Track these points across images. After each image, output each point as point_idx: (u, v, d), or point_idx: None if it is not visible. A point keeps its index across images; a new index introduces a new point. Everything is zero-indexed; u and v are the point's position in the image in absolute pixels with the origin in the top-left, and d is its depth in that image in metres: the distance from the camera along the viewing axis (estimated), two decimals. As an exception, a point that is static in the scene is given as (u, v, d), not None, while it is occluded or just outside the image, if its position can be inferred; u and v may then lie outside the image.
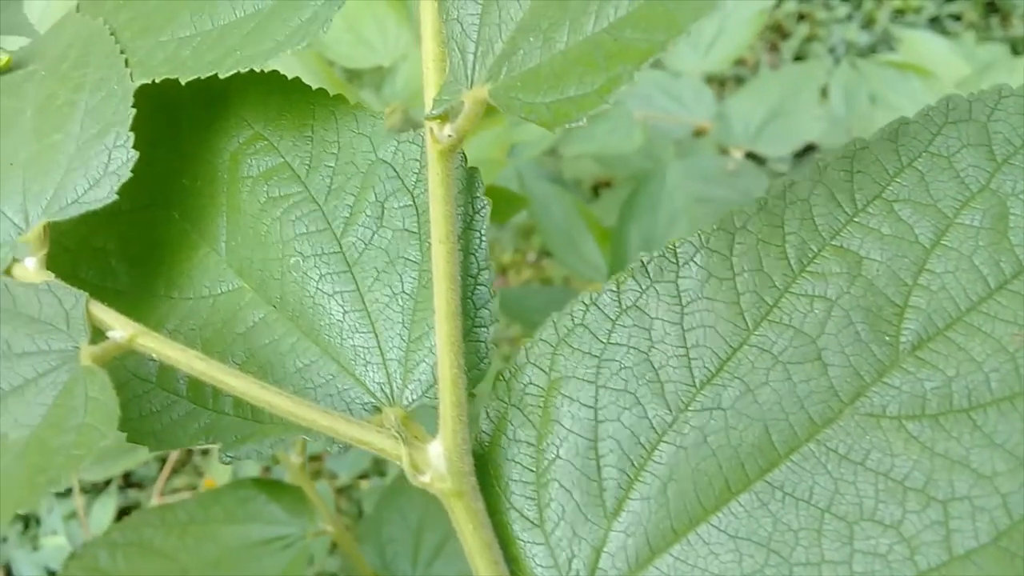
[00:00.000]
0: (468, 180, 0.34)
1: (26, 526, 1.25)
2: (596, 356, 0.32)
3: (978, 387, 0.29)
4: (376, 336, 0.34)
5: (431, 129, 0.30)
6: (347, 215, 0.35)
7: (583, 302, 0.32)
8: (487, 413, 0.32)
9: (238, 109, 0.36)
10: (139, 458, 0.80)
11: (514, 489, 0.32)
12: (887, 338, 0.30)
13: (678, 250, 0.31)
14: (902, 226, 0.30)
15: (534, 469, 0.32)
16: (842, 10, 1.82)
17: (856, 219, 0.31)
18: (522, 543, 0.31)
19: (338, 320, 0.35)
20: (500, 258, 1.48)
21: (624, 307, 0.32)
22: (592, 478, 0.31)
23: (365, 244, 0.35)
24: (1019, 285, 0.29)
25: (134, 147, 0.32)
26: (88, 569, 0.54)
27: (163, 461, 1.12)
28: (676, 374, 0.31)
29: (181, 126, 0.37)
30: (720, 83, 1.67)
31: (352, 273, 0.35)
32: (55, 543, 1.21)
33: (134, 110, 0.33)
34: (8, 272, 0.32)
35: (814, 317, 0.30)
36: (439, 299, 0.31)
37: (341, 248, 0.35)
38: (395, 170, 0.35)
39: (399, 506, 0.71)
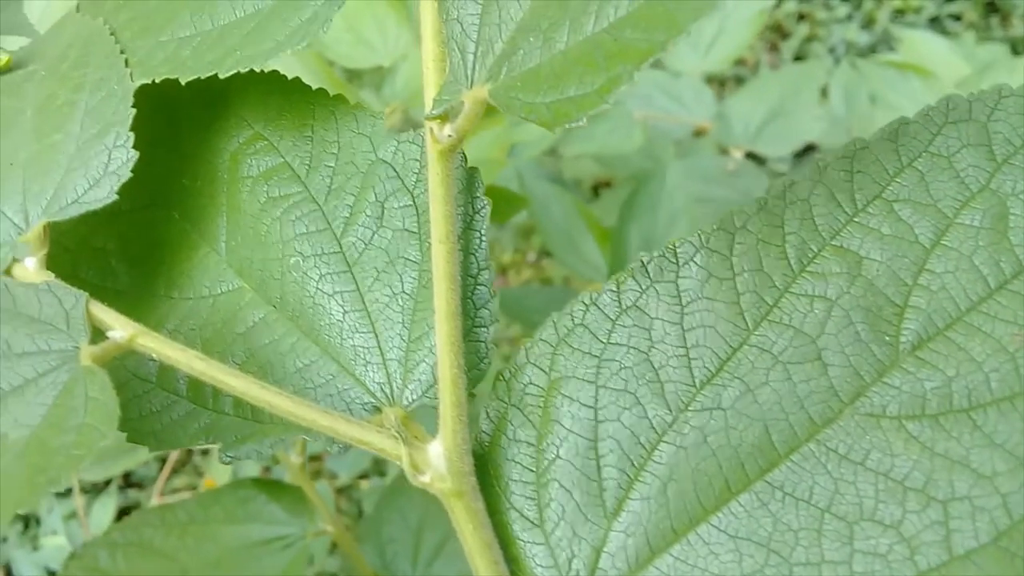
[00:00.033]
0: (468, 180, 0.34)
1: (26, 526, 1.25)
2: (596, 356, 0.32)
3: (978, 387, 0.29)
4: (376, 336, 0.34)
5: (431, 129, 0.30)
6: (347, 215, 0.35)
7: (583, 302, 0.32)
8: (487, 413, 0.32)
9: (238, 109, 0.36)
10: (139, 458, 0.80)
11: (514, 489, 0.32)
12: (887, 338, 0.30)
13: (678, 250, 0.31)
14: (902, 226, 0.30)
15: (534, 469, 0.32)
16: (842, 10, 1.82)
17: (856, 219, 0.31)
18: (522, 543, 0.31)
19: (338, 320, 0.35)
20: (500, 258, 1.48)
21: (624, 307, 0.32)
22: (592, 478, 0.31)
23: (365, 244, 0.35)
24: (1019, 285, 0.29)
25: (134, 147, 0.32)
26: (88, 569, 0.54)
27: (163, 461, 1.12)
28: (676, 374, 0.31)
29: (181, 126, 0.37)
30: (720, 83, 1.67)
31: (352, 273, 0.35)
32: (55, 543, 1.21)
33: (134, 110, 0.33)
34: (8, 272, 0.32)
35: (814, 317, 0.30)
36: (439, 299, 0.31)
37: (341, 248, 0.35)
38: (395, 170, 0.35)
39: (399, 506, 0.71)
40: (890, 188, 0.30)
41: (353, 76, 1.04)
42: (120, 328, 0.31)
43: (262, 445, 0.33)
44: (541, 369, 0.32)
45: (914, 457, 0.29)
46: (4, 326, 0.30)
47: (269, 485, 0.61)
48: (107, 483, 1.22)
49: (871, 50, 1.74)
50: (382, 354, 0.34)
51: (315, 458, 1.12)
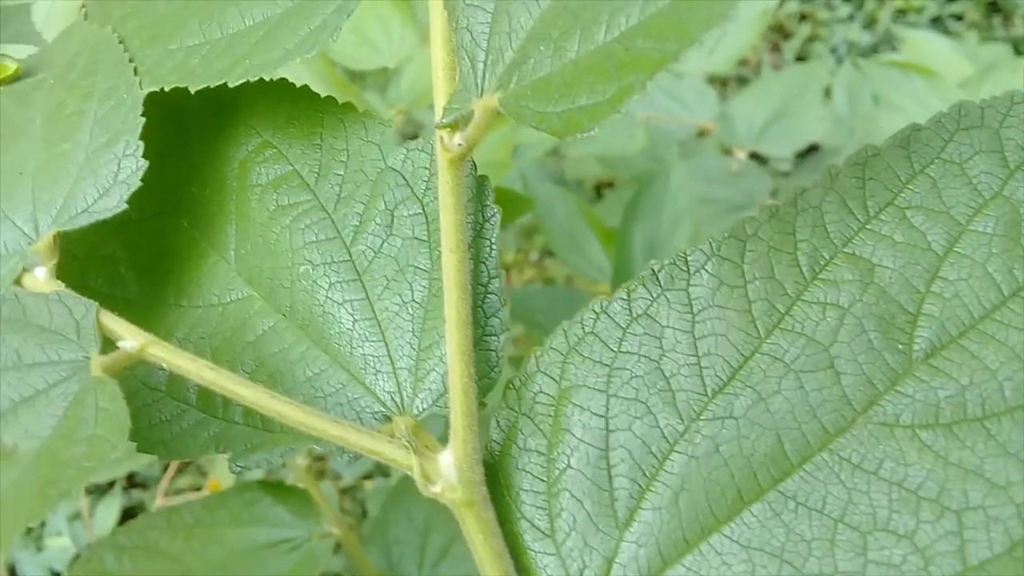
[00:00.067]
0: (478, 188, 0.34)
1: (30, 527, 1.25)
2: (607, 365, 0.31)
3: (992, 396, 0.29)
4: (386, 345, 0.34)
5: (441, 138, 0.30)
6: (357, 223, 0.35)
7: (594, 310, 0.32)
8: (497, 422, 0.32)
9: (247, 117, 0.36)
10: (143, 459, 0.80)
11: (525, 499, 0.32)
12: (900, 346, 0.30)
13: (689, 258, 0.31)
14: (915, 233, 0.30)
15: (545, 479, 0.32)
16: (844, 10, 1.82)
17: (868, 226, 0.30)
18: (533, 553, 0.31)
19: (348, 329, 0.34)
20: (503, 258, 1.47)
21: (635, 315, 0.31)
22: (603, 488, 0.31)
23: (375, 252, 0.35)
24: (1033, 293, 0.29)
25: (143, 156, 0.32)
26: (94, 571, 0.53)
27: (167, 462, 1.12)
28: (688, 383, 0.31)
29: (190, 134, 0.37)
30: (722, 83, 1.67)
31: (362, 282, 0.35)
32: (59, 544, 1.21)
33: (143, 119, 0.33)
34: (18, 282, 0.32)
35: (826, 325, 0.30)
36: (449, 308, 0.31)
37: (351, 257, 0.35)
38: (405, 178, 0.34)
39: (405, 507, 0.71)
40: (902, 195, 0.30)
41: (356, 77, 1.04)
42: (130, 338, 0.31)
43: (272, 454, 0.33)
44: (551, 378, 0.32)
45: (928, 466, 0.29)
46: (14, 336, 0.30)
47: (275, 488, 0.61)
48: (111, 484, 1.22)
49: (873, 50, 1.74)
50: (392, 363, 0.34)
51: (319, 458, 1.12)
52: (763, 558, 0.29)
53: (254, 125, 0.36)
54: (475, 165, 0.34)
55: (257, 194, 0.36)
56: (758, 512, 0.30)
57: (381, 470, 1.24)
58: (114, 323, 0.31)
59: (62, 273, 0.33)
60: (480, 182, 0.34)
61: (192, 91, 0.33)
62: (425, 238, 0.34)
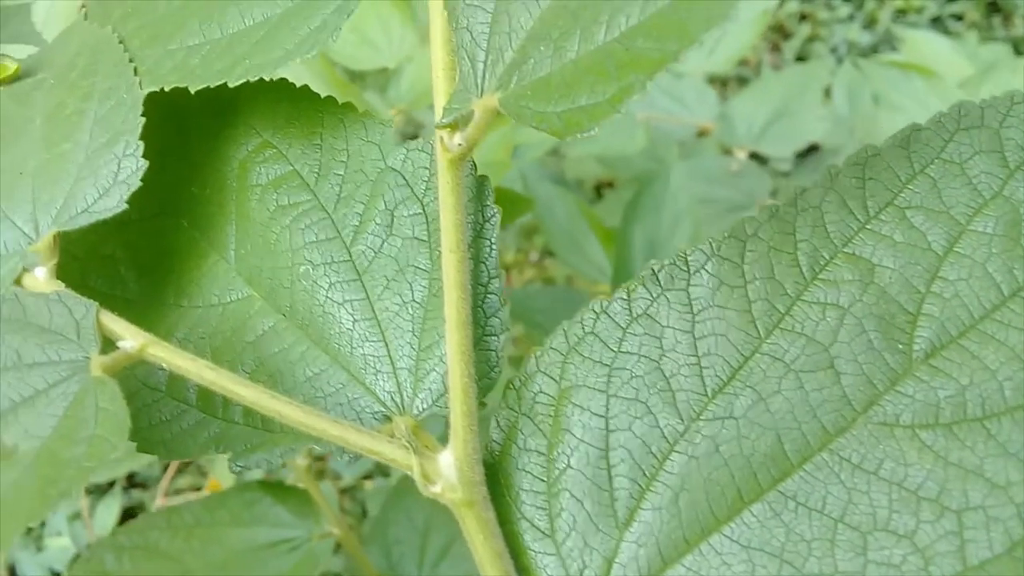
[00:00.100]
0: (478, 188, 0.34)
1: (30, 527, 1.25)
2: (607, 365, 0.31)
3: (992, 396, 0.29)
4: (386, 345, 0.34)
5: (441, 138, 0.30)
6: (357, 223, 0.35)
7: (593, 310, 0.32)
8: (497, 422, 0.32)
9: (247, 117, 0.36)
10: (144, 459, 0.80)
11: (525, 499, 0.32)
12: (900, 346, 0.30)
13: (689, 258, 0.31)
14: (915, 233, 0.30)
15: (545, 479, 0.31)
16: (844, 10, 1.82)
17: (868, 226, 0.30)
18: (533, 553, 0.31)
19: (348, 329, 0.34)
20: (503, 257, 1.47)
21: (635, 315, 0.31)
22: (603, 488, 0.31)
23: (375, 252, 0.35)
24: (1033, 293, 0.29)
25: (143, 156, 0.32)
26: (94, 572, 0.53)
27: (167, 462, 1.12)
28: (688, 383, 0.31)
29: (190, 134, 0.37)
30: (722, 83, 1.67)
31: (362, 282, 0.35)
32: (59, 544, 1.21)
33: (143, 119, 0.33)
34: (18, 282, 0.32)
35: (826, 325, 0.30)
36: (449, 308, 0.31)
37: (351, 257, 0.35)
38: (405, 178, 0.34)
39: (405, 507, 0.72)
40: (902, 195, 0.30)
41: (356, 77, 1.04)
42: (130, 338, 0.31)
43: (272, 454, 0.33)
44: (551, 378, 0.32)
45: (928, 466, 0.29)
46: (14, 336, 0.30)
47: (275, 488, 0.61)
48: (111, 484, 1.22)
49: (873, 50, 1.74)
50: (392, 363, 0.34)
51: (319, 458, 1.12)
52: (763, 558, 0.29)
53: (254, 125, 0.36)
54: (475, 165, 0.34)
55: (257, 194, 0.36)
56: (758, 512, 0.30)
57: (381, 470, 1.24)
58: (114, 323, 0.31)
59: (62, 273, 0.33)
60: (480, 182, 0.34)
61: (192, 91, 0.33)
62: (425, 238, 0.34)
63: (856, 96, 1.16)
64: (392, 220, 0.35)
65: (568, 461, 0.31)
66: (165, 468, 1.13)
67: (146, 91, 0.34)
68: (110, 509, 1.16)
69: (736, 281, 0.31)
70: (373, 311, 0.34)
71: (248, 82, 0.33)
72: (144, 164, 0.32)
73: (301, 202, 0.35)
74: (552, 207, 0.99)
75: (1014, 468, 0.28)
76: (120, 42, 0.35)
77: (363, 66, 0.83)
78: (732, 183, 1.09)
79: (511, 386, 0.32)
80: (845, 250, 0.30)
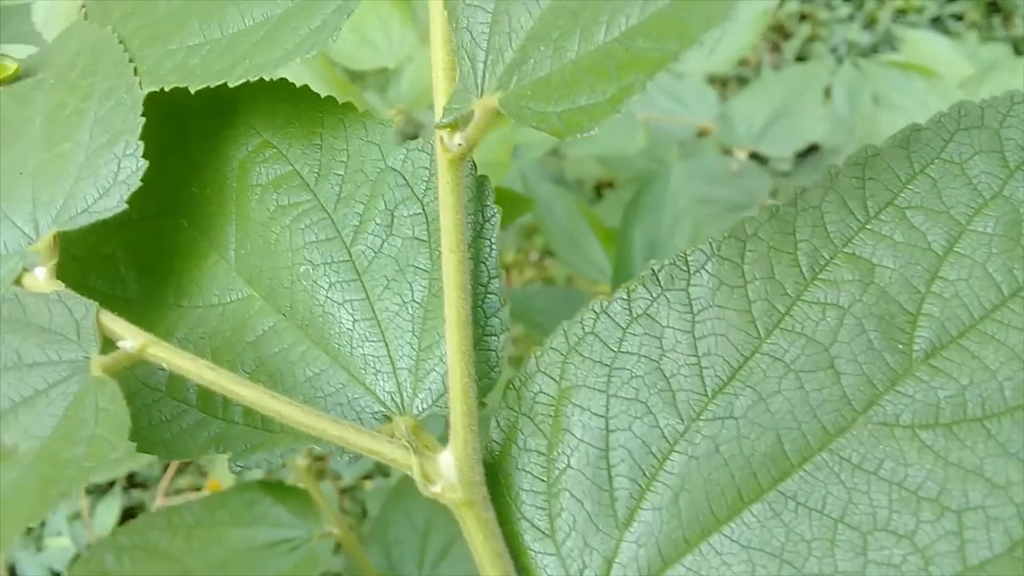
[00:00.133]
0: (478, 188, 0.34)
1: (30, 527, 1.25)
2: (607, 365, 0.31)
3: (992, 396, 0.29)
4: (386, 345, 0.34)
5: (441, 138, 0.30)
6: (357, 223, 0.35)
7: (593, 310, 0.32)
8: (497, 422, 0.32)
9: (247, 117, 0.36)
10: (144, 459, 0.80)
11: (525, 499, 0.32)
12: (900, 346, 0.30)
13: (689, 258, 0.31)
14: (915, 233, 0.30)
15: (545, 479, 0.31)
16: (844, 10, 1.82)
17: (868, 226, 0.30)
18: (533, 553, 0.31)
19: (348, 329, 0.34)
20: (503, 257, 1.47)
21: (635, 315, 0.31)
22: (603, 488, 0.31)
23: (375, 252, 0.35)
24: (1033, 293, 0.29)
25: (143, 156, 0.32)
26: (94, 571, 0.53)
27: (167, 462, 1.11)
28: (688, 383, 0.31)
29: (190, 134, 0.37)
30: (722, 83, 1.67)
31: (362, 282, 0.35)
32: (59, 544, 1.21)
33: (143, 119, 0.33)
34: (18, 282, 0.32)
35: (826, 325, 0.30)
36: (449, 308, 0.31)
37: (351, 257, 0.35)
38: (405, 178, 0.34)
39: (405, 507, 0.72)
40: (902, 195, 0.30)
41: (356, 77, 1.04)
42: (130, 338, 0.31)
43: (272, 454, 0.33)
44: (551, 378, 0.32)
45: (928, 466, 0.29)
46: (14, 336, 0.30)
47: (275, 488, 0.61)
48: (111, 484, 1.22)
49: (873, 50, 1.74)
50: (392, 363, 0.34)
51: (319, 458, 1.12)
52: (763, 558, 0.29)
53: (254, 125, 0.36)
54: (475, 165, 0.34)
55: (257, 194, 0.36)
56: (758, 512, 0.30)
57: (381, 470, 1.24)
58: (114, 323, 0.31)
59: (62, 273, 0.33)
60: (480, 182, 0.34)
61: (192, 91, 0.33)
62: (425, 238, 0.34)
63: (856, 96, 1.16)
64: (392, 220, 0.35)
65: (568, 461, 0.31)
66: (165, 468, 1.13)
67: (146, 91, 0.34)
68: (110, 509, 1.16)
69: (736, 281, 0.31)
70: (373, 311, 0.34)
71: (248, 82, 0.33)
72: (144, 164, 0.32)
73: (301, 202, 0.35)
74: (552, 207, 0.99)
75: (1014, 468, 0.28)
76: (120, 42, 0.35)
77: (363, 66, 0.83)
78: (732, 183, 1.09)
79: (511, 386, 0.32)
80: (845, 250, 0.30)
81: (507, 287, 1.32)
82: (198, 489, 1.20)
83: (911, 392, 0.29)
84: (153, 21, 0.35)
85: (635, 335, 0.31)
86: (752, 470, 0.30)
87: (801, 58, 1.77)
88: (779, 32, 1.82)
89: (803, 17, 1.84)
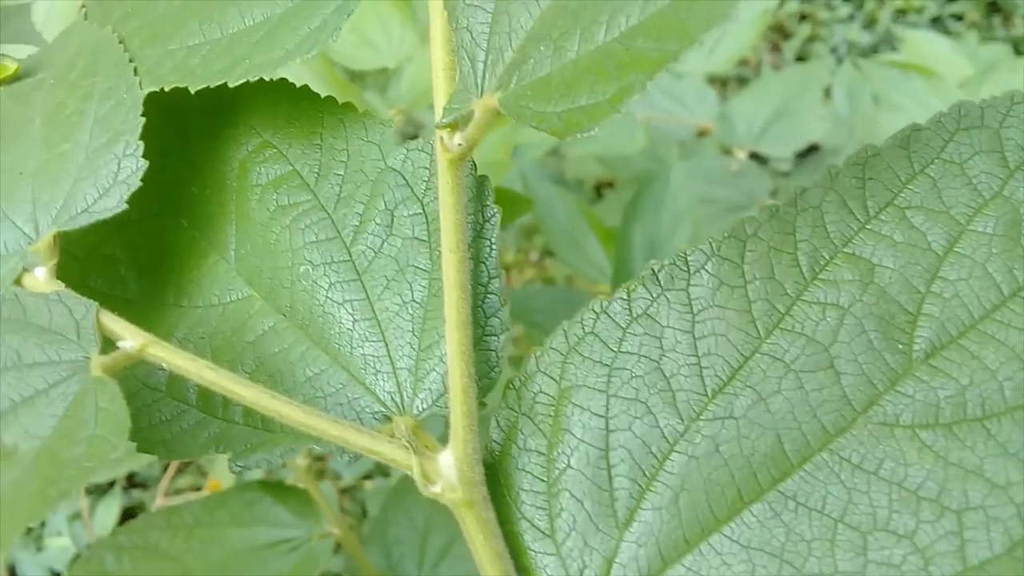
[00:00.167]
0: (478, 188, 0.34)
1: (30, 527, 1.25)
2: (607, 365, 0.31)
3: (992, 396, 0.29)
4: (386, 345, 0.34)
5: (441, 138, 0.30)
6: (356, 223, 0.35)
7: (593, 310, 0.32)
8: (497, 422, 0.32)
9: (247, 117, 0.36)
10: (144, 459, 0.80)
11: (525, 499, 0.32)
12: (900, 346, 0.30)
13: (689, 258, 0.31)
14: (915, 233, 0.30)
15: (545, 479, 0.32)
16: (844, 10, 1.82)
17: (868, 226, 0.30)
18: (533, 553, 0.31)
19: (348, 329, 0.34)
20: (503, 257, 1.47)
21: (635, 315, 0.31)
22: (603, 488, 0.31)
23: (375, 252, 0.35)
24: (1033, 293, 0.29)
25: (143, 156, 0.32)
26: (94, 572, 0.53)
27: (167, 462, 1.11)
28: (688, 383, 0.31)
29: (190, 134, 0.37)
30: (723, 83, 1.67)
31: (362, 282, 0.35)
32: (59, 544, 1.21)
33: (143, 119, 0.33)
34: (18, 282, 0.32)
35: (826, 325, 0.30)
36: (449, 308, 0.31)
37: (351, 256, 0.35)
38: (405, 178, 0.34)
39: (405, 507, 0.71)
40: (902, 195, 0.30)
41: (356, 77, 1.04)
42: (130, 338, 0.31)
43: (272, 454, 0.33)
44: (551, 378, 0.32)
45: (928, 466, 0.29)
46: (14, 336, 0.30)
47: (275, 488, 0.61)
48: (111, 484, 1.22)
49: (873, 50, 1.74)
50: (392, 363, 0.34)
51: (319, 458, 1.12)
52: (763, 558, 0.29)
53: (254, 125, 0.36)
54: (475, 165, 0.34)
55: (257, 194, 0.36)
56: (758, 512, 0.30)
57: (381, 470, 1.24)
58: (114, 323, 0.31)
59: (62, 273, 0.33)
60: (480, 182, 0.34)
61: (192, 91, 0.33)
62: (425, 238, 0.34)
63: (856, 96, 1.16)
64: (392, 220, 0.35)
65: (568, 461, 0.31)
66: (165, 468, 1.13)
67: (146, 91, 0.34)
68: (110, 509, 1.16)
69: (736, 281, 0.31)
70: (373, 311, 0.34)
71: (248, 82, 0.33)
72: (144, 164, 0.32)
73: (301, 202, 0.35)
74: (552, 207, 0.99)
75: (1014, 468, 0.28)
76: (120, 42, 0.35)
77: (363, 66, 0.83)
78: (732, 183, 1.09)
79: (511, 386, 0.32)
80: (845, 250, 0.30)
81: (507, 287, 1.32)
82: (198, 489, 1.20)
83: (911, 392, 0.29)
84: (153, 21, 0.35)
85: (635, 335, 0.31)
86: (752, 470, 0.30)
87: (801, 58, 1.77)
88: (779, 32, 1.82)
89: (803, 17, 1.84)
